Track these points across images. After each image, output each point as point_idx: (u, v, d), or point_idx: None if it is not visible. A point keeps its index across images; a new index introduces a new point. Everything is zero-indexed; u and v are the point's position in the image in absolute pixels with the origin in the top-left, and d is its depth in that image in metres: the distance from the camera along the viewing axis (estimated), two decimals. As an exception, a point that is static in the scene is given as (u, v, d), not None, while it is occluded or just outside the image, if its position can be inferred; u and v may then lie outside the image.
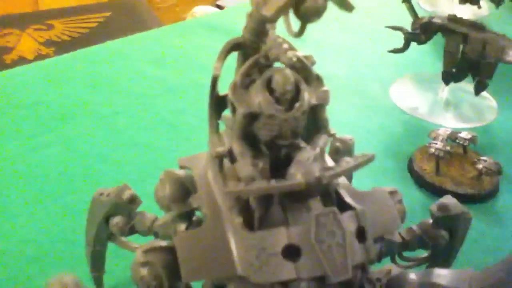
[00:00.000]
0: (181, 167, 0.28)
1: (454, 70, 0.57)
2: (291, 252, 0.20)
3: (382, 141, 0.56)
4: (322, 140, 0.23)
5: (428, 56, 0.72)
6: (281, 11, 0.18)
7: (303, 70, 0.23)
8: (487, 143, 0.56)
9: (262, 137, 0.22)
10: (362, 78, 0.67)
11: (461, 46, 0.56)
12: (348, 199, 0.23)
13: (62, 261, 0.39)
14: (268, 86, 0.21)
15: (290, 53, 0.22)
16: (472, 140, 0.51)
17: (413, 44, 0.59)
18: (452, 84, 0.60)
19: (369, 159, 0.21)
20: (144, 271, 0.23)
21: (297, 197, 0.21)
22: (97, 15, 1.30)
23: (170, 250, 0.23)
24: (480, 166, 0.48)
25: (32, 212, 0.44)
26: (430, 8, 0.88)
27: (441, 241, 0.29)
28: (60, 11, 1.34)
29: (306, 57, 0.23)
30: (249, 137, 0.23)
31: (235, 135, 0.22)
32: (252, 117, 0.22)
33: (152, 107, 0.59)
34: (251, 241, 0.20)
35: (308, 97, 0.22)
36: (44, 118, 0.56)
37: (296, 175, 0.20)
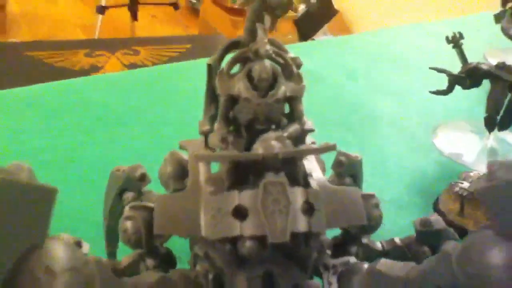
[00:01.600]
0: (181, 147, 0.32)
1: (498, 117, 0.57)
2: (240, 213, 0.22)
3: (415, 178, 0.56)
4: (292, 128, 0.25)
5: (480, 104, 0.71)
6: (248, 2, 0.21)
7: (286, 67, 0.25)
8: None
9: (241, 120, 0.25)
10: (407, 118, 0.68)
11: (508, 94, 0.56)
12: (313, 185, 0.25)
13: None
14: (249, 74, 0.25)
15: (267, 46, 0.25)
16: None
17: (469, 91, 0.59)
18: (499, 134, 0.59)
19: (329, 147, 0.23)
20: (127, 224, 0.26)
21: (261, 172, 0.23)
22: (179, 46, 1.42)
23: (152, 210, 0.26)
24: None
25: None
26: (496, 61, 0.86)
27: (422, 257, 0.30)
28: (149, 39, 1.48)
29: (293, 58, 0.26)
30: (232, 122, 0.26)
31: (219, 116, 0.25)
32: (233, 100, 0.25)
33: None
34: (212, 203, 0.23)
35: (284, 88, 0.25)
36: (109, 119, 0.63)
37: (258, 149, 0.23)
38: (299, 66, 0.26)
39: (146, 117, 0.64)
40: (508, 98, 0.55)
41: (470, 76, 0.58)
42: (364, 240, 0.30)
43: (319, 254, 0.25)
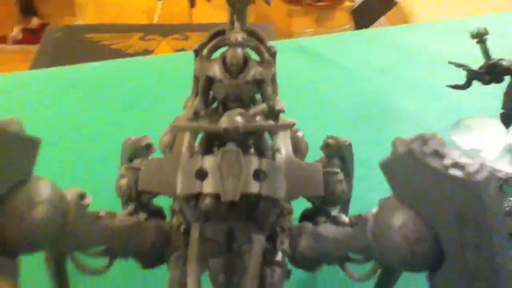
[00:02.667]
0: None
1: (514, 114, 0.57)
2: (202, 175, 0.26)
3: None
4: (259, 107, 0.29)
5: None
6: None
7: (259, 54, 0.29)
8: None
9: (217, 98, 0.29)
10: (428, 113, 0.69)
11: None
12: (278, 159, 0.28)
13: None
14: (224, 59, 0.29)
15: (239, 36, 0.28)
16: (507, 181, 0.50)
17: (493, 88, 0.59)
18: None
19: (288, 125, 0.27)
20: (122, 181, 0.31)
21: (225, 142, 0.27)
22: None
23: None
24: (505, 205, 0.48)
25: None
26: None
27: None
28: (200, 26, 1.54)
29: (268, 47, 0.30)
30: (212, 100, 0.30)
31: (199, 93, 0.29)
32: (210, 81, 0.29)
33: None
34: (183, 166, 0.27)
35: (253, 72, 0.29)
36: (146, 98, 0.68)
37: (222, 122, 0.27)
38: (273, 54, 0.30)
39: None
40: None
41: (489, 72, 0.59)
42: (333, 213, 0.33)
43: (278, 217, 0.28)
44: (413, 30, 1.12)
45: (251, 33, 0.31)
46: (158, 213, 0.33)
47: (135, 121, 0.63)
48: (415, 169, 0.22)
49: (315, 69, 0.81)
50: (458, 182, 0.21)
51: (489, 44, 0.59)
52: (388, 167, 0.24)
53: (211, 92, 0.30)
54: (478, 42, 0.62)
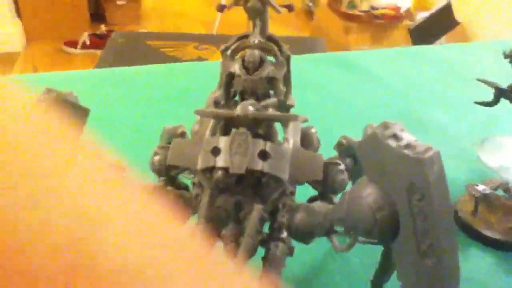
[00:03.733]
0: None
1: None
2: (216, 152, 0.31)
3: (451, 179, 0.60)
4: (270, 100, 0.34)
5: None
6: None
7: (274, 56, 0.34)
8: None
9: (236, 92, 0.34)
10: (456, 128, 0.71)
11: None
12: (284, 146, 0.33)
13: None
14: (243, 58, 0.34)
15: (256, 40, 0.34)
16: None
17: None
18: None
19: (293, 116, 0.32)
20: (155, 158, 0.36)
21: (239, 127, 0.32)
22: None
23: None
24: (517, 216, 0.49)
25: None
26: None
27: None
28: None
29: (284, 51, 0.35)
30: (233, 94, 0.35)
31: (220, 85, 0.35)
32: (231, 76, 0.34)
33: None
34: (204, 145, 0.32)
35: (267, 70, 0.33)
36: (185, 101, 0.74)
37: (236, 110, 0.32)
38: (287, 57, 0.35)
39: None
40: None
41: (517, 90, 0.60)
42: (335, 200, 0.37)
43: (280, 196, 0.33)
44: (462, 48, 1.13)
45: (270, 38, 0.35)
46: (184, 188, 0.38)
47: (177, 116, 0.69)
48: (378, 149, 0.26)
49: (353, 80, 0.84)
50: (408, 159, 0.25)
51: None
52: (361, 149, 0.28)
53: (232, 88, 0.35)
54: (510, 62, 0.64)
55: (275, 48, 0.34)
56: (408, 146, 0.26)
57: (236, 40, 0.36)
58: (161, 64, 0.89)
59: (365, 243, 0.39)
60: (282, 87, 0.35)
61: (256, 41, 0.34)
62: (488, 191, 0.51)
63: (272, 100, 0.34)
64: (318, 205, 0.31)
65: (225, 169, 0.30)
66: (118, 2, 2.59)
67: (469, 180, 0.61)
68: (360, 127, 0.73)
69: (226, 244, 0.32)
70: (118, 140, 0.64)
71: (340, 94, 0.79)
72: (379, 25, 2.75)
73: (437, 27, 2.75)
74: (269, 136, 0.33)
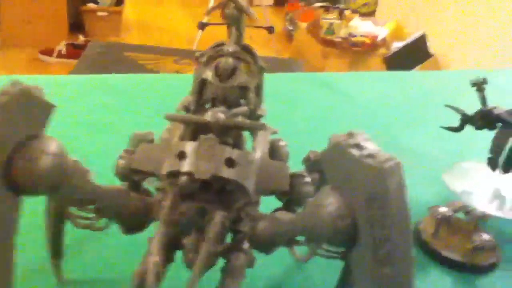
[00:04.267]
0: None
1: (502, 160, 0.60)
2: (182, 156, 0.31)
3: (416, 201, 0.61)
4: (241, 109, 0.34)
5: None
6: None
7: (247, 66, 0.35)
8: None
9: (208, 99, 0.35)
10: (424, 150, 0.73)
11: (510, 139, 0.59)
12: (251, 155, 0.33)
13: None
14: (217, 66, 0.34)
15: (230, 48, 0.34)
16: (482, 217, 0.53)
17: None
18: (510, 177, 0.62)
19: (257, 125, 0.32)
20: (120, 162, 0.36)
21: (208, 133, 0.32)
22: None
23: None
24: (475, 239, 0.51)
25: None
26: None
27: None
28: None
29: (258, 63, 0.35)
30: (205, 100, 0.35)
31: (192, 92, 0.35)
32: (203, 83, 0.35)
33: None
34: (170, 150, 0.32)
35: (239, 79, 0.34)
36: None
37: (206, 116, 0.32)
38: (260, 68, 0.36)
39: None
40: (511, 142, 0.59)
41: (482, 118, 0.62)
42: (298, 211, 0.37)
43: (245, 204, 0.33)
44: (436, 76, 1.16)
45: (246, 49, 0.36)
46: (147, 194, 0.38)
47: (152, 125, 0.69)
48: (341, 158, 0.27)
49: (328, 100, 0.86)
50: (369, 168, 0.26)
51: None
52: (325, 157, 0.28)
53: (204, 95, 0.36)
54: (476, 90, 0.66)
55: (249, 58, 0.35)
56: (370, 155, 0.26)
57: (212, 47, 0.37)
58: (139, 74, 0.89)
59: (325, 257, 0.39)
60: (253, 97, 0.35)
61: (231, 50, 0.35)
62: (449, 213, 0.53)
63: (243, 108, 0.34)
64: (281, 214, 0.32)
65: (190, 174, 0.31)
66: (98, 14, 2.59)
67: (433, 202, 0.62)
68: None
69: (187, 253, 0.31)
70: (91, 145, 0.63)
71: (314, 112, 0.81)
72: (356, 52, 2.82)
73: (411, 57, 2.82)
74: (237, 145, 0.33)
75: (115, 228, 0.36)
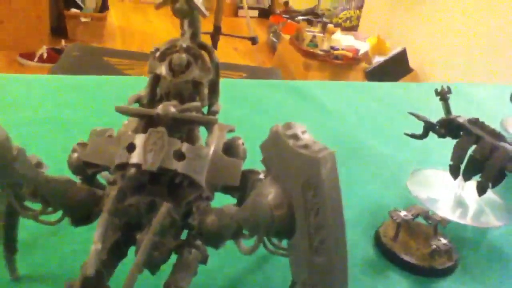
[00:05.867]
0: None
1: (462, 167, 0.61)
2: (132, 148, 0.31)
3: (379, 205, 0.62)
4: (193, 104, 0.34)
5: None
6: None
7: (202, 62, 0.35)
8: (473, 241, 0.58)
9: (162, 93, 0.35)
10: (391, 157, 0.74)
11: (471, 147, 0.60)
12: (204, 150, 0.33)
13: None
14: (170, 61, 0.34)
15: (184, 44, 0.35)
16: (441, 222, 0.54)
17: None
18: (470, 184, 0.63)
19: (211, 120, 0.33)
20: (73, 155, 0.36)
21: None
22: (236, 73, 1.55)
23: None
24: (433, 243, 0.51)
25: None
26: None
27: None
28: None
29: (214, 59, 0.36)
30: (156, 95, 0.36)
31: (146, 86, 0.35)
32: (157, 77, 0.35)
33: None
34: (120, 142, 0.32)
35: (193, 74, 0.34)
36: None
37: (157, 109, 0.32)
38: (216, 65, 0.36)
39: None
40: (471, 150, 0.60)
41: (445, 126, 0.64)
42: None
43: (195, 199, 0.33)
44: (409, 87, 1.18)
45: (201, 45, 0.37)
46: (101, 188, 0.37)
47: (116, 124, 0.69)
48: (279, 148, 0.27)
49: (301, 106, 0.87)
50: (304, 158, 0.26)
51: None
52: (264, 148, 0.29)
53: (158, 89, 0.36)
54: (440, 100, 0.67)
55: (204, 54, 0.35)
56: (305, 146, 0.27)
57: (167, 43, 0.37)
58: (115, 76, 0.89)
59: (275, 254, 0.39)
60: (207, 93, 0.36)
61: (184, 45, 0.35)
62: (408, 217, 0.54)
63: (195, 103, 0.34)
64: (227, 207, 0.32)
65: (138, 166, 0.31)
66: (82, 19, 2.58)
67: (395, 206, 0.63)
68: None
69: (137, 250, 0.31)
70: (54, 142, 0.63)
71: (282, 117, 0.81)
72: (337, 65, 2.85)
73: (391, 71, 2.87)
74: (190, 140, 0.33)
75: (68, 223, 0.36)
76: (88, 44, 2.48)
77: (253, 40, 2.67)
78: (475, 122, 0.62)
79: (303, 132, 0.28)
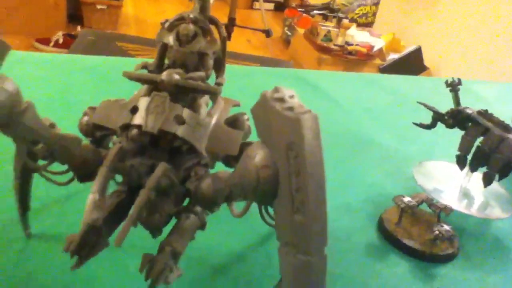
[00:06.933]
0: None
1: (469, 158, 0.61)
2: (135, 110, 0.32)
3: (384, 194, 0.62)
4: (198, 73, 0.35)
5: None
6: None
7: (208, 34, 0.36)
8: (475, 232, 0.58)
9: (168, 61, 0.35)
10: (398, 148, 0.74)
11: (478, 137, 0.60)
12: (205, 118, 0.34)
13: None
14: (178, 31, 0.35)
15: (192, 15, 0.35)
16: (443, 209, 0.54)
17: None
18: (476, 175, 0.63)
19: (214, 88, 0.33)
20: (84, 118, 0.37)
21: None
22: (250, 63, 1.55)
23: None
24: (436, 229, 0.51)
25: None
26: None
27: None
28: (228, 54, 1.63)
29: (221, 32, 0.36)
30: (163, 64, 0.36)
31: (156, 55, 0.36)
32: (164, 47, 0.36)
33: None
34: (127, 105, 0.33)
35: (198, 45, 0.35)
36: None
37: (162, 75, 0.33)
38: (223, 38, 0.36)
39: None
40: (478, 141, 0.60)
41: (453, 117, 0.63)
42: None
43: (194, 165, 0.34)
44: (417, 81, 1.18)
45: (211, 20, 0.37)
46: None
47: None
48: (266, 111, 0.28)
49: (307, 96, 0.87)
50: (287, 120, 0.27)
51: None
52: (254, 111, 0.29)
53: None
54: (451, 91, 0.67)
55: (211, 27, 0.36)
56: (290, 108, 0.27)
57: (178, 15, 0.38)
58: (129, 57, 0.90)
59: (273, 227, 0.40)
60: (212, 64, 0.36)
61: (192, 16, 0.35)
62: (413, 203, 0.54)
63: (200, 73, 0.35)
64: (221, 172, 0.32)
65: (140, 127, 0.31)
66: (98, 6, 2.59)
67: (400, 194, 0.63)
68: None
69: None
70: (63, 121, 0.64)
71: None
72: (351, 61, 2.84)
73: (406, 69, 2.84)
74: (193, 109, 0.34)
75: (81, 186, 0.37)
76: (103, 31, 2.50)
77: (267, 33, 2.67)
78: (483, 113, 0.61)
79: (291, 97, 0.28)
